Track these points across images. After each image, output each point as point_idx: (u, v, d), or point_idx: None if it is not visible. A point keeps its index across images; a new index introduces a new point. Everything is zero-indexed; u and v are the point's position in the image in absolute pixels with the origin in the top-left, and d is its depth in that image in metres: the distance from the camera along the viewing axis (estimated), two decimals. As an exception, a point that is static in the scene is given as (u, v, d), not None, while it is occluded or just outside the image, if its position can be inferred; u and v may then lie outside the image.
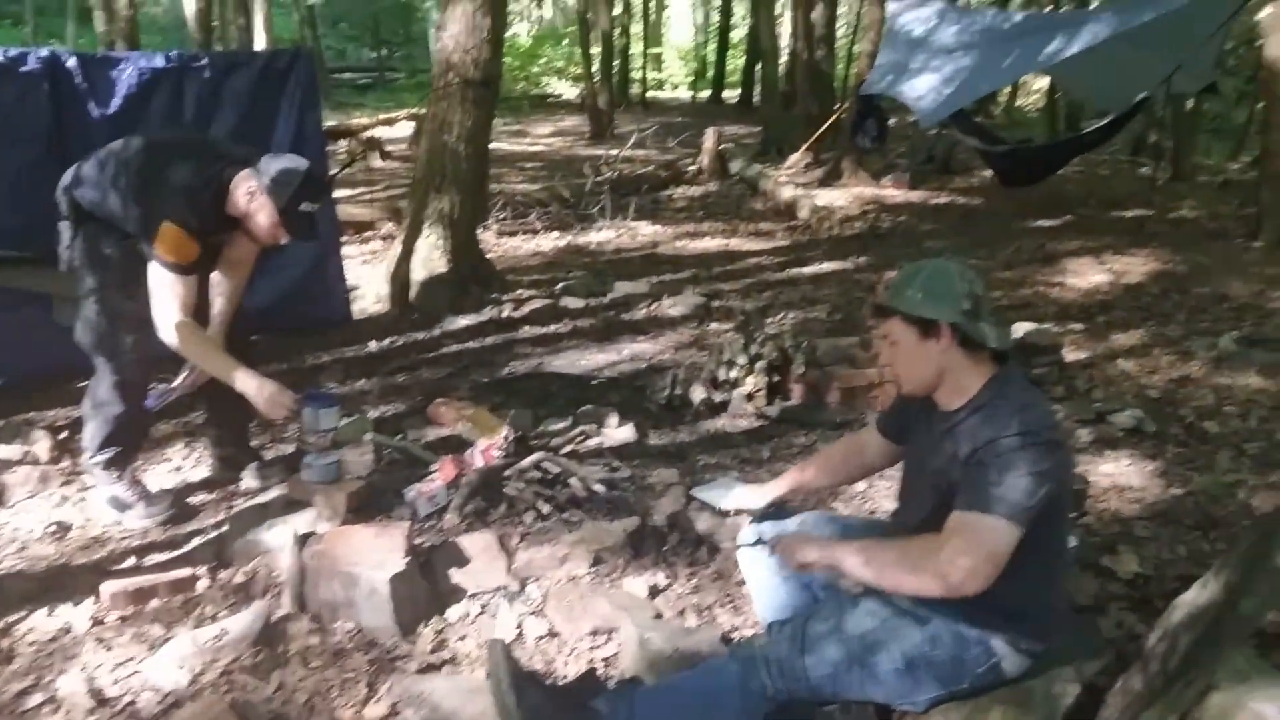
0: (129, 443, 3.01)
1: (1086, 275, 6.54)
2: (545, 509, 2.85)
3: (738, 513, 2.59)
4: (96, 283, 2.80)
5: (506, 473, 2.96)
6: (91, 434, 2.93)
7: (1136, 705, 1.87)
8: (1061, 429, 1.82)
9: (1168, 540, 2.95)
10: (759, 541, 2.13)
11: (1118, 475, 3.40)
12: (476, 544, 2.64)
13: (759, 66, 17.98)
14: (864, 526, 2.27)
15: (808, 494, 2.63)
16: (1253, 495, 3.30)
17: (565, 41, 26.97)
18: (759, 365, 3.84)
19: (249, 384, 2.68)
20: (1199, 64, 8.40)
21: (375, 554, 2.41)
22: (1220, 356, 4.70)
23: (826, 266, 6.73)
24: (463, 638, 2.36)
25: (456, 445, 3.32)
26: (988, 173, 10.07)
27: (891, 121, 12.52)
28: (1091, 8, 13.66)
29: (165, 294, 2.65)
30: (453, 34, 5.26)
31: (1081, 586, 2.55)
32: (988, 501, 1.69)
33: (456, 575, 2.55)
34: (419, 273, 5.41)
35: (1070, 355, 4.67)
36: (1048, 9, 16.76)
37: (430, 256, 5.42)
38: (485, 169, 5.99)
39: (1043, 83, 16.47)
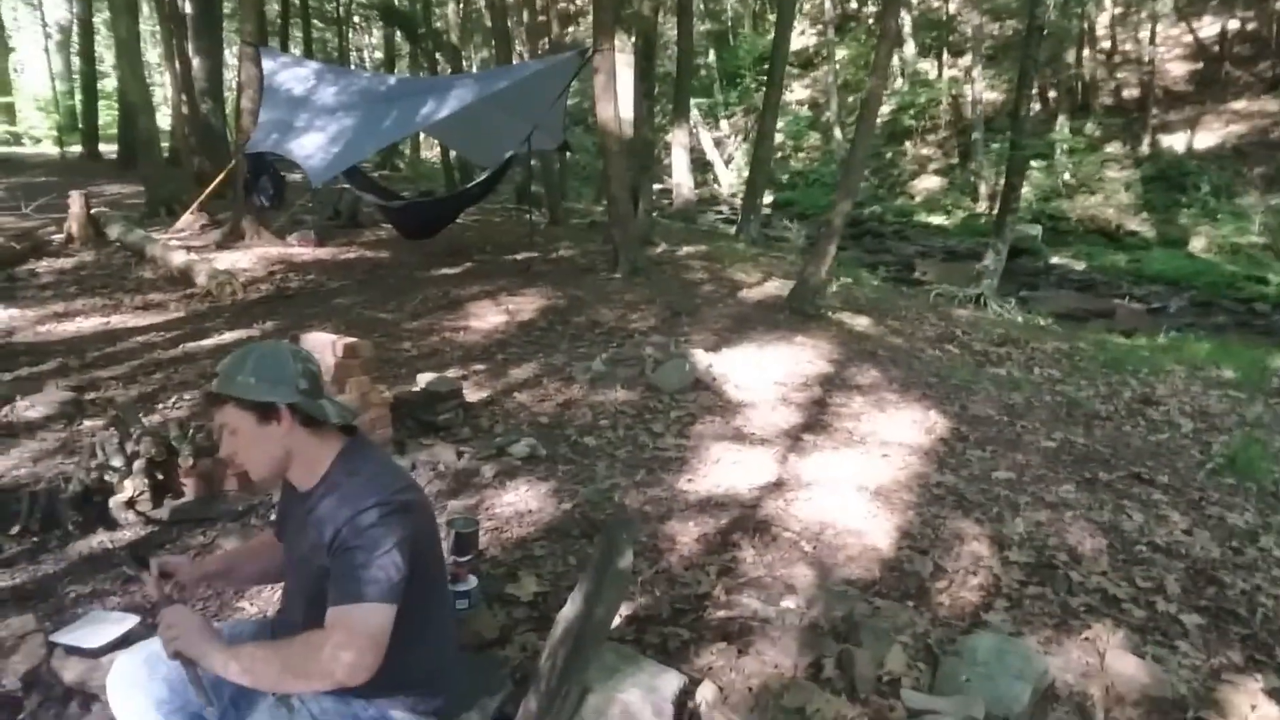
0: None
1: (486, 317, 7.11)
2: None
3: (110, 648, 2.23)
4: None
5: None
6: None
7: (530, 728, 2.02)
8: (413, 487, 1.89)
9: (561, 554, 3.29)
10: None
11: (517, 503, 3.71)
12: None
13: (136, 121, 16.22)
14: (254, 629, 2.10)
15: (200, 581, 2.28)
16: (625, 495, 3.85)
17: None
18: (138, 465, 3.38)
19: None
20: (551, 125, 9.79)
21: None
22: (594, 377, 5.45)
23: (229, 336, 6.27)
24: None
25: None
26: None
27: (296, 176, 12.27)
28: (459, 74, 15.08)
29: None
30: None
31: (487, 621, 2.70)
32: (359, 589, 1.69)
33: None
34: None
35: (474, 395, 5.00)
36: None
37: None
38: None
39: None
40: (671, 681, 2.25)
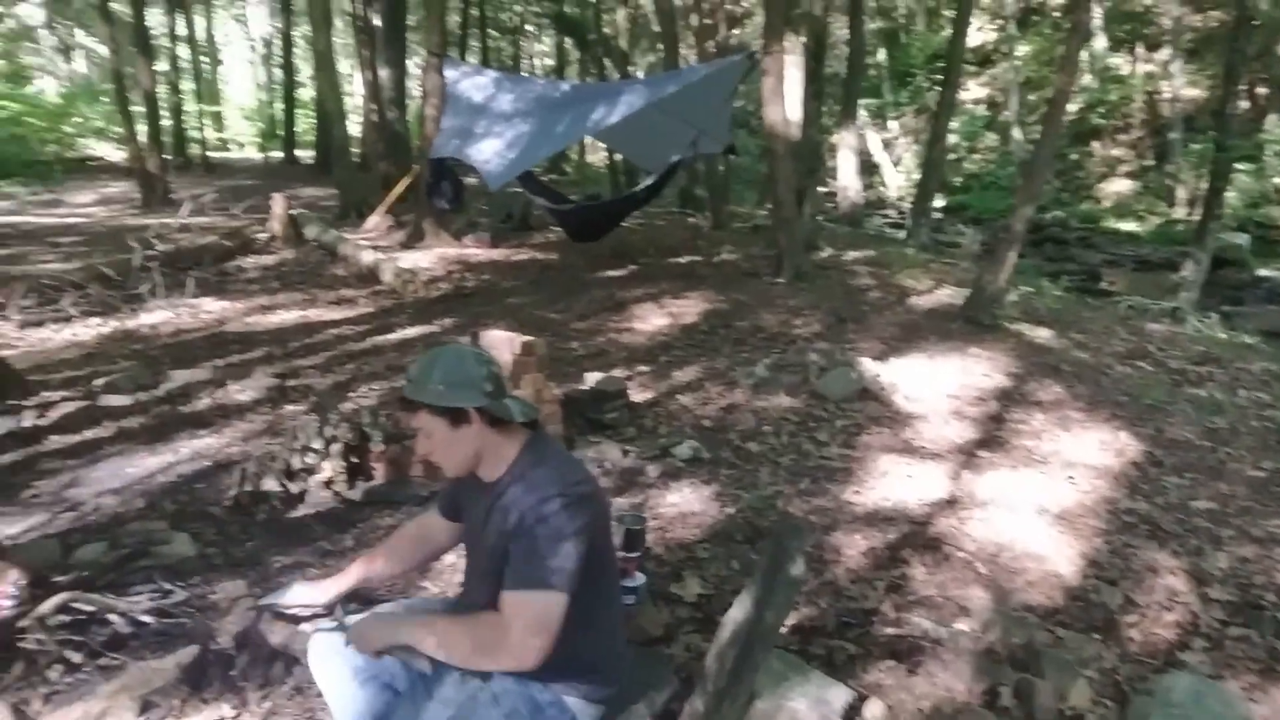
0: None
1: (650, 319, 7.21)
2: (77, 658, 2.41)
3: (312, 616, 2.42)
4: None
5: (22, 624, 2.45)
6: None
7: (697, 728, 2.03)
8: (592, 480, 1.95)
9: (724, 557, 3.29)
10: (339, 627, 2.07)
11: (681, 504, 3.74)
12: (-23, 724, 2.14)
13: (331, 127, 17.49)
14: (440, 607, 2.23)
15: (380, 582, 2.53)
16: (788, 503, 3.82)
17: (104, 99, 23.99)
18: (335, 448, 3.64)
19: None
20: (718, 129, 9.81)
21: None
22: (757, 382, 5.42)
23: (412, 331, 6.66)
24: None
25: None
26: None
27: (472, 180, 12.89)
28: (628, 80, 15.36)
29: None
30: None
31: (652, 618, 2.74)
32: (536, 576, 1.77)
33: (-52, 771, 2.04)
34: (-103, 386, 4.37)
35: (638, 396, 5.09)
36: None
37: (-87, 364, 4.41)
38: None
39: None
40: (840, 695, 2.21)
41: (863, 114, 20.91)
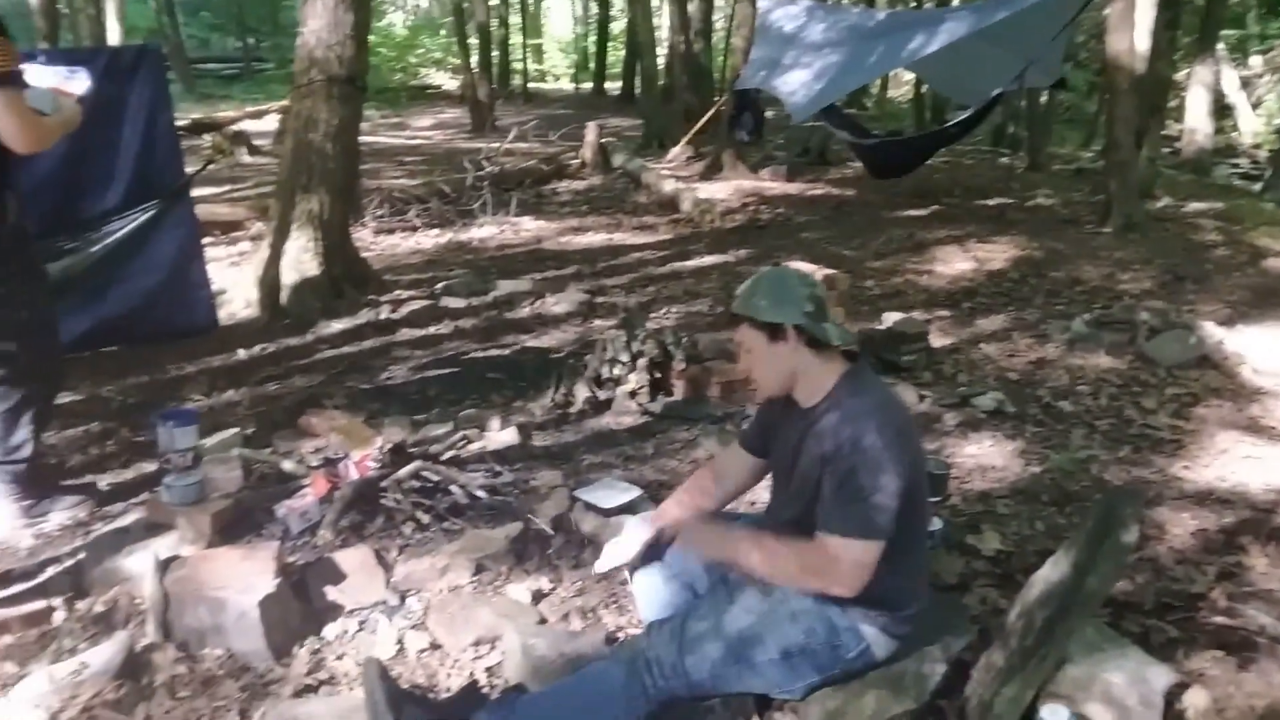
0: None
1: (953, 263, 6.85)
2: (425, 519, 2.80)
3: (619, 510, 2.62)
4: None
5: (383, 484, 2.88)
6: (8, 450, 2.84)
7: (998, 680, 1.97)
8: (912, 421, 1.91)
9: (1027, 517, 3.12)
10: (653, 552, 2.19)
11: (981, 456, 3.58)
12: (353, 559, 2.56)
13: (639, 59, 18.06)
14: (746, 523, 2.30)
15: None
16: (1104, 470, 3.52)
17: (443, 31, 26.42)
18: (641, 362, 3.86)
19: None
20: (1049, 60, 8.93)
21: (243, 576, 2.31)
22: (1073, 338, 4.99)
23: (708, 259, 6.82)
24: (340, 656, 2.29)
25: (329, 457, 3.21)
26: (860, 164, 10.41)
27: (770, 114, 12.81)
28: (951, 7, 14.32)
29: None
30: (314, 29, 5.07)
31: (948, 566, 2.67)
32: (860, 522, 1.79)
33: (332, 592, 2.47)
34: (289, 275, 5.20)
35: (937, 341, 4.88)
36: (911, 6, 17.46)
37: (300, 259, 5.22)
38: (355, 167, 5.81)
39: (911, 76, 17.11)
40: (1162, 676, 2.03)
41: (1221, 47, 18.00)
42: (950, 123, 9.52)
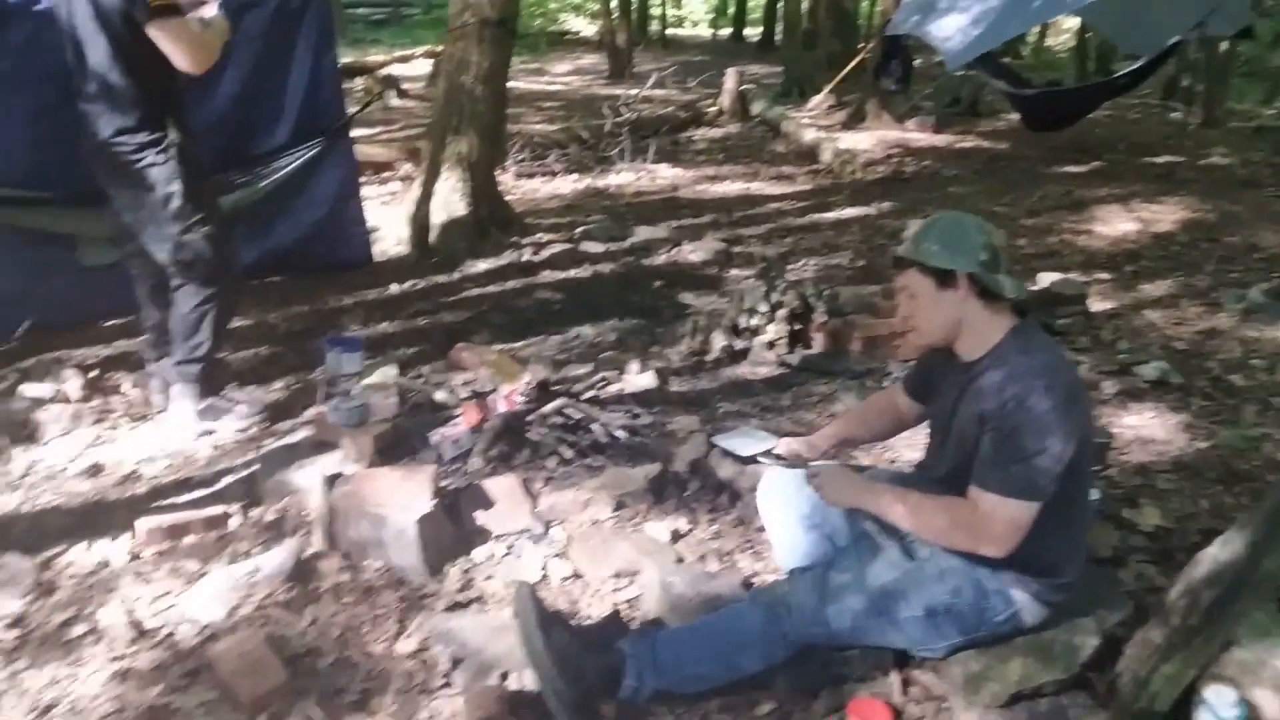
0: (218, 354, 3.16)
1: (1114, 223, 6.44)
2: (568, 454, 2.88)
3: (762, 458, 2.61)
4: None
5: (529, 418, 2.98)
6: (189, 350, 3.06)
7: (1155, 657, 1.89)
8: (1082, 385, 1.82)
9: (1190, 493, 2.95)
10: (770, 455, 2.29)
11: (1141, 427, 3.39)
12: (501, 487, 2.67)
13: (780, 4, 17.54)
14: (889, 477, 2.27)
15: (850, 447, 2.63)
16: (1278, 450, 3.29)
17: (582, -24, 26.39)
18: (780, 313, 3.82)
19: None
20: (1235, 5, 8.14)
21: (402, 496, 2.45)
22: (1249, 309, 4.63)
23: (849, 212, 6.65)
24: (489, 578, 2.41)
25: (479, 390, 3.34)
26: (1015, 116, 9.84)
27: (917, 62, 12.23)
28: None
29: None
30: (468, -28, 5.16)
31: (1103, 538, 2.56)
32: (1020, 483, 1.74)
33: (482, 517, 2.59)
34: (438, 215, 5.39)
35: (1096, 305, 4.62)
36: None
37: (449, 199, 5.40)
38: (503, 110, 5.92)
39: (1073, 23, 15.99)
40: (1341, 670, 1.90)
41: None
42: (1119, 73, 8.84)
